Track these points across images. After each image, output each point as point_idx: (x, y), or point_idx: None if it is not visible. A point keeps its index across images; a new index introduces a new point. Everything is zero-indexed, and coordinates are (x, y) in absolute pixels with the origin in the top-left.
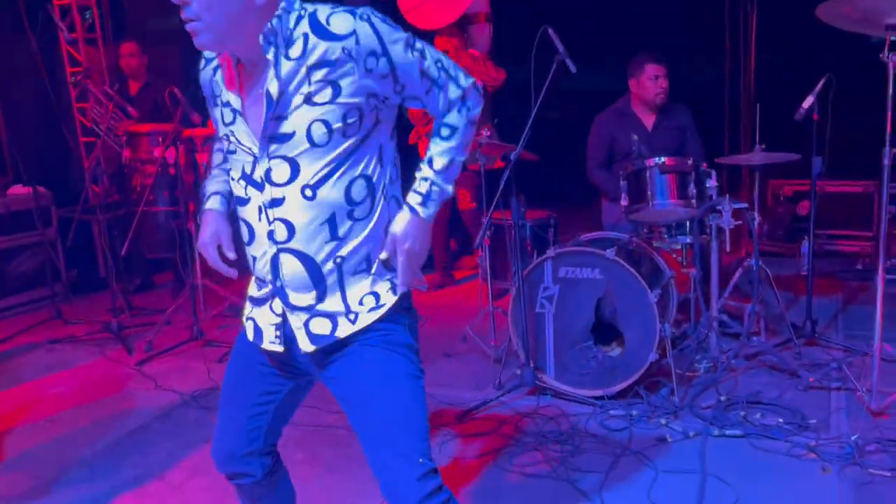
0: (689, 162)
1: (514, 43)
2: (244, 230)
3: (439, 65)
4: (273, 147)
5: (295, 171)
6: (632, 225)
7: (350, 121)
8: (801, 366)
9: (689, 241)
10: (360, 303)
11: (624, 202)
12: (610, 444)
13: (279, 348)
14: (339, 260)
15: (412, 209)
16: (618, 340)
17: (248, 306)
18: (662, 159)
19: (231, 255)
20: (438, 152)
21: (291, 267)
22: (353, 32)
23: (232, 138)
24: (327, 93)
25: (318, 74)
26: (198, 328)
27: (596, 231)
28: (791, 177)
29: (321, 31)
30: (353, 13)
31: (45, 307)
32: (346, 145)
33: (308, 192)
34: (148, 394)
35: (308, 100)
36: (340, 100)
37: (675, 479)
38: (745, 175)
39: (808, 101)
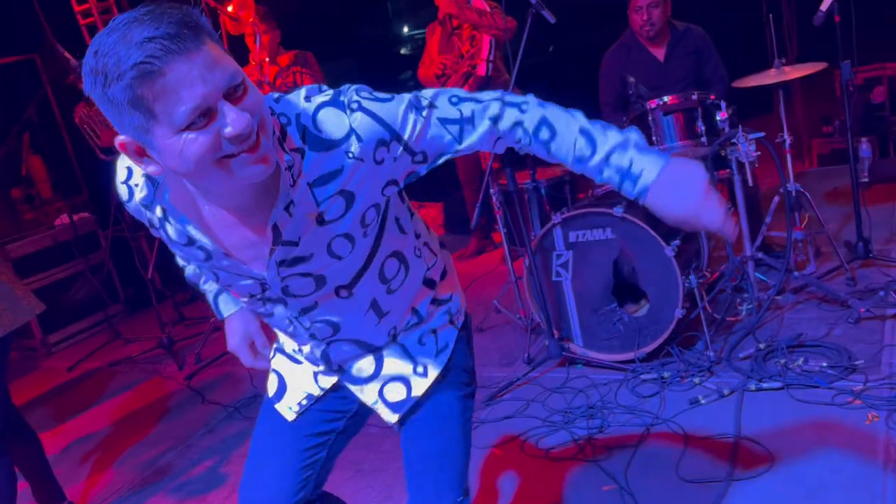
0: (694, 97)
1: None
2: (279, 334)
3: (455, 101)
4: (285, 269)
5: (320, 281)
6: None
7: (369, 221)
8: (853, 294)
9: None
10: (421, 342)
11: None
12: (640, 413)
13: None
14: (392, 330)
15: (643, 192)
16: (646, 297)
17: (279, 358)
18: (665, 99)
19: (267, 350)
20: (573, 149)
21: (345, 351)
22: (351, 132)
23: (219, 272)
24: (340, 206)
25: (325, 191)
26: None
27: None
28: (859, 63)
29: (314, 141)
30: (340, 105)
31: (106, 329)
32: (371, 241)
33: (343, 293)
34: (195, 409)
35: (320, 221)
36: (356, 206)
37: (706, 452)
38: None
39: (826, 3)
